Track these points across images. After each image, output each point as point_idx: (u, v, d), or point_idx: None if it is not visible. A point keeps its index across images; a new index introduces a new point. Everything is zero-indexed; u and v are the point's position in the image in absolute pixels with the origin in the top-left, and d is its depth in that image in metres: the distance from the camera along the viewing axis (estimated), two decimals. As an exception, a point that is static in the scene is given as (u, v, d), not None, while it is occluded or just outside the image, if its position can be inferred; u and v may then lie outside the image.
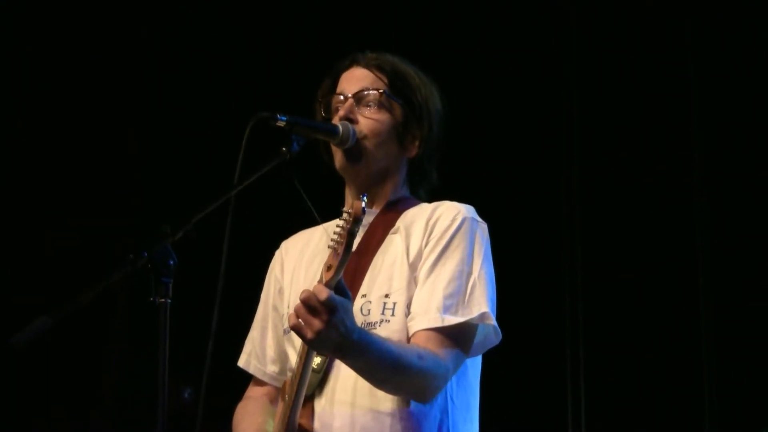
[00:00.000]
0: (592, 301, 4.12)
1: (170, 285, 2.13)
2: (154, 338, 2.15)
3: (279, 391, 2.56)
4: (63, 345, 4.13)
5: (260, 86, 4.43)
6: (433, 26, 4.40)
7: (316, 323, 2.09)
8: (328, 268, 2.13)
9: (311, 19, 4.52)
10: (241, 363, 2.69)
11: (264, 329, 2.67)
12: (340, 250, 2.11)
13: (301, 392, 2.33)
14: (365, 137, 2.52)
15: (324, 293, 2.08)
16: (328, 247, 2.15)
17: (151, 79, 4.64)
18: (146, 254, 2.11)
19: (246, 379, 2.72)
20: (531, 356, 4.01)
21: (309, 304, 2.09)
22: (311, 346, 2.20)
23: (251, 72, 4.53)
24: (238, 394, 2.74)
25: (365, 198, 2.12)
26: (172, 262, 2.13)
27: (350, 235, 2.10)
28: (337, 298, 2.10)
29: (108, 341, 4.51)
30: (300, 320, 2.11)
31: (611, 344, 4.07)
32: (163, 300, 2.12)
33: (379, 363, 2.24)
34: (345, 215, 2.11)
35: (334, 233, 2.13)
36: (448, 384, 2.39)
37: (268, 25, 4.59)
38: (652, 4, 4.17)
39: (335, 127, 2.49)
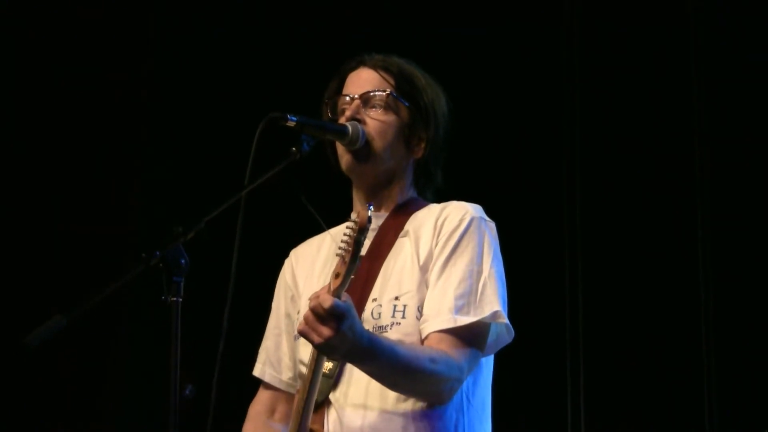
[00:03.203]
0: (592, 302, 4.12)
1: (182, 284, 2.15)
2: (159, 336, 2.17)
3: (288, 398, 2.58)
4: (68, 343, 4.13)
5: (269, 86, 4.43)
6: (433, 26, 4.41)
7: (325, 331, 2.10)
8: (336, 275, 2.14)
9: (320, 20, 4.53)
10: (257, 372, 2.68)
11: (278, 337, 2.66)
12: (348, 259, 2.13)
13: (312, 397, 2.32)
14: (372, 138, 2.53)
15: (328, 301, 2.09)
16: (336, 254, 2.17)
17: (159, 79, 4.64)
18: (159, 253, 2.13)
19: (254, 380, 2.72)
20: (530, 356, 4.01)
21: (317, 312, 2.11)
22: (320, 351, 2.21)
23: (260, 72, 4.53)
24: (245, 393, 2.75)
25: (371, 207, 2.14)
26: (183, 262, 2.16)
27: (357, 244, 2.11)
28: (343, 304, 2.11)
29: (113, 338, 4.51)
30: (307, 326, 2.12)
31: (611, 345, 4.07)
32: (174, 299, 2.14)
33: (391, 367, 2.25)
34: (351, 224, 2.12)
35: (342, 241, 2.14)
36: (465, 383, 2.39)
37: (278, 25, 4.59)
38: (655, 3, 4.18)
39: (345, 127, 2.50)
